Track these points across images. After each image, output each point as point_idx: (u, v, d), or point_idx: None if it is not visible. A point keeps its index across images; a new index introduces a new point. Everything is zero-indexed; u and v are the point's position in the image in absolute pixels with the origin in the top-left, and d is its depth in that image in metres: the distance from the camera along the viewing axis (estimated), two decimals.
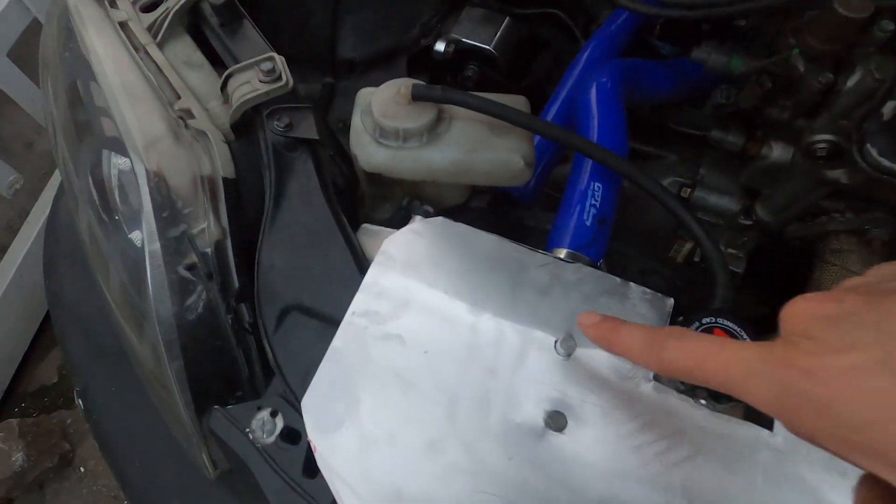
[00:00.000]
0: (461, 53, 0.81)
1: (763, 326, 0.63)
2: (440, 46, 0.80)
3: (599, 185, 0.49)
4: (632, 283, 0.41)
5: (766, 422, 0.36)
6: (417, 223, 0.45)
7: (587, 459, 0.36)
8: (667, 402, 0.37)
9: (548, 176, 0.66)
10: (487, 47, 0.80)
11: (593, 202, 0.48)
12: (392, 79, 0.48)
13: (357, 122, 0.49)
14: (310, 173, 0.47)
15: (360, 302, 0.42)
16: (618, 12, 0.70)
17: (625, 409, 0.37)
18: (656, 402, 0.37)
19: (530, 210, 0.66)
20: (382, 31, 0.84)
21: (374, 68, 0.85)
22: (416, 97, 0.46)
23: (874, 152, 0.45)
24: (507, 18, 0.82)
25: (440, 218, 0.44)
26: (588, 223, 0.47)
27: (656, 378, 0.38)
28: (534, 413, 0.37)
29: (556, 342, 0.39)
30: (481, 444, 0.37)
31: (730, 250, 0.66)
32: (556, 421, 0.37)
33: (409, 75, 0.83)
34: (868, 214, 0.55)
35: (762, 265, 0.69)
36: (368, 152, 0.47)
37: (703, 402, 0.37)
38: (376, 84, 0.50)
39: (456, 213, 0.57)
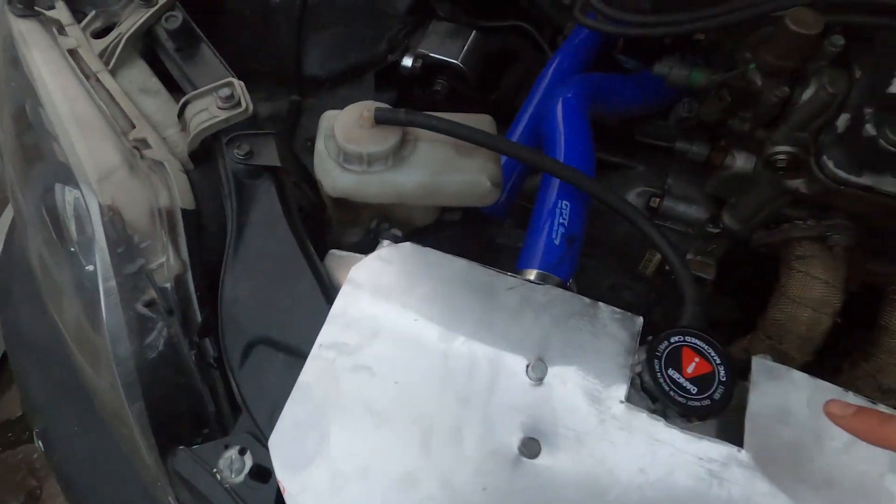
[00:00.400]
0: (429, 68, 0.80)
1: (736, 332, 0.64)
2: (407, 62, 0.79)
3: (567, 202, 0.49)
4: (601, 304, 0.41)
5: (736, 439, 0.37)
6: (385, 249, 0.44)
7: (562, 485, 0.36)
8: (639, 423, 0.37)
9: (519, 190, 0.66)
10: (455, 61, 0.80)
11: (561, 220, 0.48)
12: (361, 95, 0.48)
13: (321, 147, 0.48)
14: (273, 201, 0.46)
15: (327, 333, 0.41)
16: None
17: (597, 432, 0.37)
18: (629, 424, 0.37)
19: (502, 227, 0.65)
20: (349, 47, 0.83)
21: (342, 84, 0.84)
22: (380, 121, 0.46)
23: (830, 164, 0.46)
24: (474, 32, 0.82)
25: (408, 244, 0.44)
26: (557, 242, 0.47)
27: (628, 399, 0.38)
28: (507, 441, 0.37)
29: (527, 367, 0.39)
30: (455, 476, 0.36)
31: (699, 258, 0.67)
32: (530, 448, 0.37)
33: (378, 90, 0.82)
34: (829, 221, 0.56)
35: (733, 272, 0.70)
36: (333, 177, 0.47)
37: (674, 420, 0.37)
38: (345, 101, 0.49)
39: (428, 231, 0.57)
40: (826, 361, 0.60)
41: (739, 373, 0.39)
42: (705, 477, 0.36)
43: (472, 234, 0.62)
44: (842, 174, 0.45)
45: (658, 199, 0.70)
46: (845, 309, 0.56)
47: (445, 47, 0.81)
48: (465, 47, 0.81)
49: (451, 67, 0.80)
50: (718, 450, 0.36)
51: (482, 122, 0.49)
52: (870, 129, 0.42)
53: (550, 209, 0.48)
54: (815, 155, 0.47)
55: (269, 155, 0.46)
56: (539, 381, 0.38)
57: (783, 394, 0.38)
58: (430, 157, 0.47)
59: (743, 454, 0.36)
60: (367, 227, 0.52)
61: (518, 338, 0.40)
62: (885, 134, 0.42)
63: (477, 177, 0.47)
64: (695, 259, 0.67)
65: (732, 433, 0.37)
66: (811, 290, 0.56)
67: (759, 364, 0.39)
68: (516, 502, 0.35)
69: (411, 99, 0.84)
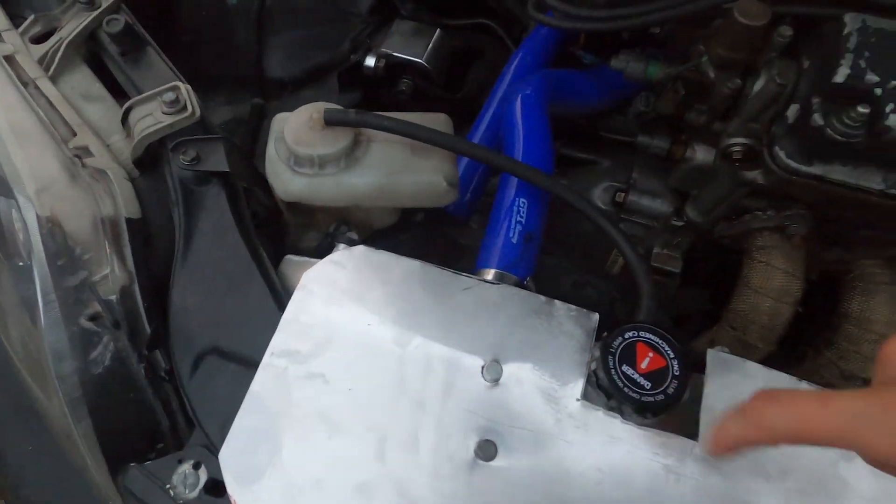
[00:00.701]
0: (393, 68, 0.80)
1: (705, 323, 0.64)
2: (370, 62, 0.78)
3: (525, 200, 0.48)
4: (557, 301, 0.41)
5: (691, 433, 0.36)
6: (338, 253, 0.43)
7: (519, 486, 0.35)
8: (595, 421, 0.37)
9: (483, 189, 0.66)
10: (419, 60, 0.79)
11: (519, 218, 0.47)
12: (324, 97, 0.47)
13: (271, 150, 0.47)
14: (222, 207, 0.45)
15: (279, 341, 0.40)
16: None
17: (554, 431, 0.36)
18: (585, 422, 0.37)
19: (466, 227, 0.65)
20: (311, 48, 0.82)
21: (306, 86, 0.83)
22: (330, 122, 0.45)
23: (782, 154, 0.46)
24: (438, 30, 0.81)
25: (361, 247, 0.43)
26: (514, 240, 0.47)
27: (585, 396, 0.38)
28: (463, 444, 0.36)
29: (482, 368, 0.38)
30: (411, 483, 0.36)
31: (665, 251, 0.68)
32: (486, 450, 0.36)
33: (342, 91, 0.81)
34: (788, 212, 0.56)
35: (702, 263, 0.70)
36: (284, 181, 0.46)
37: (630, 417, 0.37)
38: (309, 102, 0.48)
39: (390, 232, 0.56)
40: (791, 350, 0.60)
41: (697, 365, 0.39)
42: (661, 472, 0.35)
43: (435, 235, 0.61)
44: (793, 164, 0.46)
45: (623, 194, 0.70)
46: (807, 298, 0.57)
47: (409, 46, 0.80)
48: (430, 46, 0.80)
49: (416, 66, 0.79)
50: (674, 445, 0.36)
51: (437, 121, 0.49)
52: (817, 118, 0.43)
53: (508, 207, 0.48)
54: (767, 146, 0.48)
55: (217, 160, 0.45)
56: (494, 381, 0.38)
57: (738, 385, 0.38)
58: (383, 158, 0.47)
59: (698, 448, 0.36)
60: (324, 230, 0.51)
61: (474, 339, 0.39)
62: (831, 123, 0.42)
63: (433, 177, 0.47)
64: (661, 252, 0.68)
65: (689, 427, 0.37)
66: (772, 280, 0.56)
67: (714, 356, 0.39)
68: None
69: (376, 99, 0.83)
